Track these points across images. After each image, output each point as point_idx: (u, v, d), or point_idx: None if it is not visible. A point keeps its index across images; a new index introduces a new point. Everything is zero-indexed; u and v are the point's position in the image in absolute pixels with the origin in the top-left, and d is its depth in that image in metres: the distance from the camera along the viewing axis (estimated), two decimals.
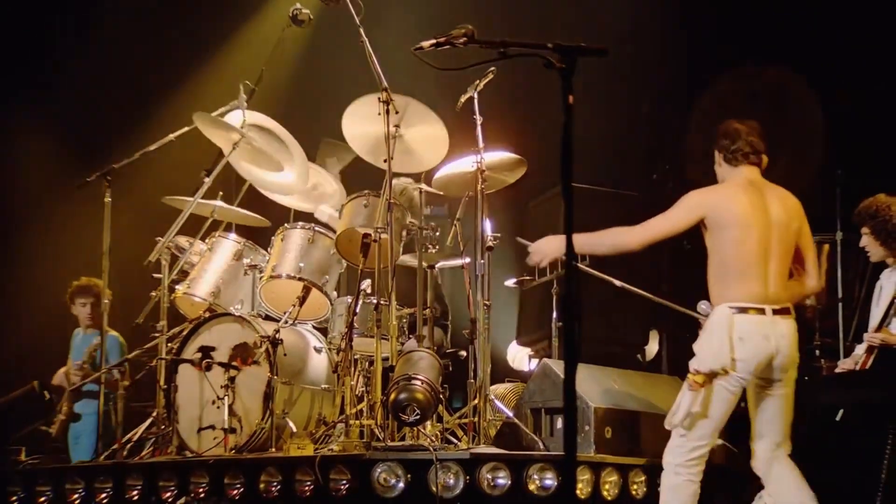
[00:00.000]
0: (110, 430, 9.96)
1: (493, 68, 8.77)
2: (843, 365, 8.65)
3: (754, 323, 7.24)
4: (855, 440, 8.31)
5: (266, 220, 9.87)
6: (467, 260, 9.39)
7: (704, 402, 7.30)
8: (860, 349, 8.57)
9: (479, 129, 8.94)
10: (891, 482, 7.91)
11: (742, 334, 7.21)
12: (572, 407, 5.45)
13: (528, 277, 10.80)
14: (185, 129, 9.70)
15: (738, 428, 9.45)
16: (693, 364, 7.30)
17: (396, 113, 8.77)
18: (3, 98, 12.23)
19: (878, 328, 8.45)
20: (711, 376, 7.25)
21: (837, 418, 8.29)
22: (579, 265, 8.24)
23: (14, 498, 8.95)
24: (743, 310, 7.24)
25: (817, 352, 10.26)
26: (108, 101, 12.21)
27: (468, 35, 5.74)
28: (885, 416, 8.09)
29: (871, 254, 8.64)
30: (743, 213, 7.34)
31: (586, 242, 7.43)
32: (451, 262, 9.62)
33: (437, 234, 9.35)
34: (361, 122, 9.13)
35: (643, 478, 8.35)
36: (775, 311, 7.27)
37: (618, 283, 9.16)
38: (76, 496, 8.77)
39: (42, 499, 8.89)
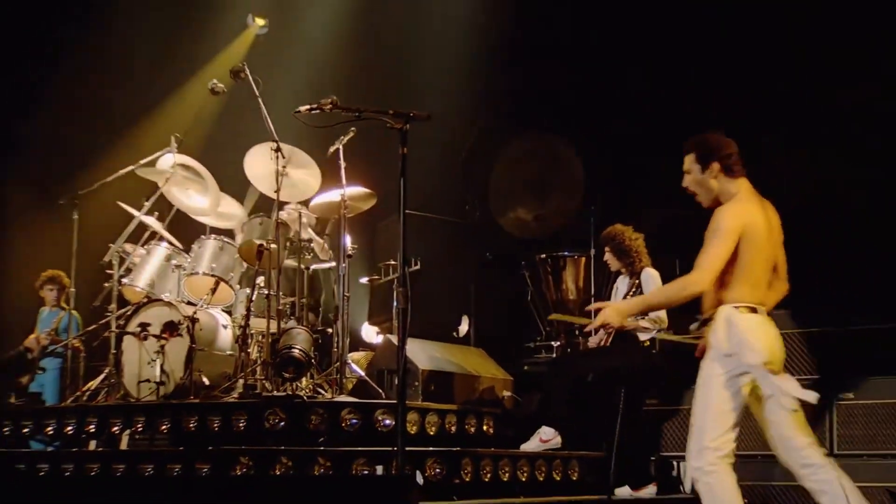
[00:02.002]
0: (65, 381, 9.82)
1: (353, 128, 8.74)
2: (591, 343, 8.67)
3: (757, 321, 5.72)
4: (600, 397, 8.33)
5: (180, 244, 9.62)
6: (333, 264, 9.29)
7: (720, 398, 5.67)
8: (601, 332, 8.63)
9: (342, 171, 8.87)
10: (623, 428, 7.92)
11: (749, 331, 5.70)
12: (404, 368, 5.40)
13: (376, 277, 10.71)
14: (130, 168, 9.45)
15: (522, 380, 9.53)
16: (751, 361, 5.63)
17: (284, 157, 8.63)
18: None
19: None
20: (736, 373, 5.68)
21: (588, 379, 8.32)
22: (664, 335, 7.66)
23: (6, 429, 8.75)
24: (744, 308, 5.69)
25: (577, 332, 10.32)
26: (73, 142, 11.88)
27: (333, 103, 5.74)
28: (619, 378, 8.14)
29: (610, 265, 8.69)
30: (764, 227, 5.80)
31: (663, 299, 5.98)
32: (322, 265, 9.49)
33: (312, 244, 9.24)
34: (258, 164, 8.96)
35: (454, 419, 8.30)
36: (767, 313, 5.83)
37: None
38: (50, 429, 8.57)
39: (25, 430, 8.69)
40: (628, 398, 7.98)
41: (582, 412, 8.28)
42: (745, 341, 5.62)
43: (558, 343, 10.39)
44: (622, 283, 8.62)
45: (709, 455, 5.63)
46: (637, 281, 8.37)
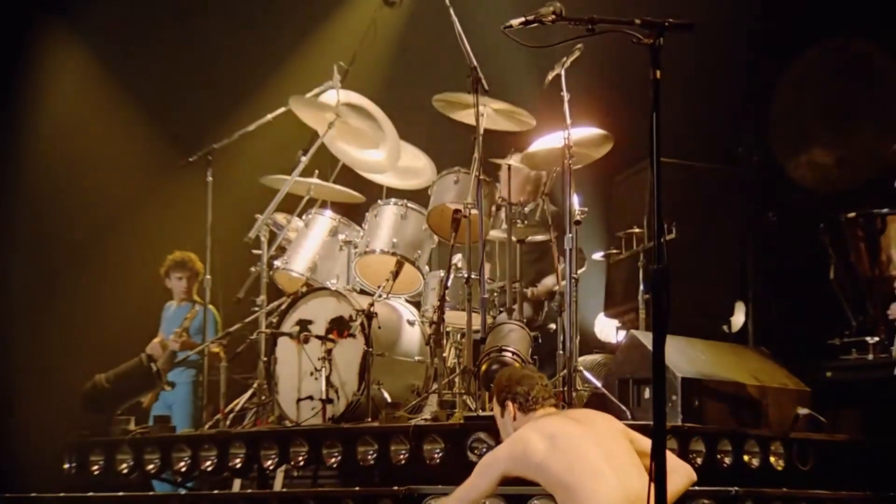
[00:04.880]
0: (201, 400, 10.29)
1: (580, 45, 8.69)
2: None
3: None
4: None
5: (361, 196, 9.87)
6: (556, 234, 9.31)
7: None
8: None
9: (566, 105, 8.85)
10: None
11: None
12: (662, 377, 5.35)
13: (615, 251, 10.69)
14: (282, 109, 9.72)
15: (824, 391, 9.43)
16: None
17: (486, 90, 8.73)
18: (106, 81, 12.34)
19: None
20: None
21: None
22: None
23: (123, 465, 9.07)
24: None
25: None
26: (206, 83, 12.24)
27: (556, 13, 5.69)
28: None
29: None
30: (545, 447, 6.00)
31: None
32: (540, 236, 9.53)
33: (527, 209, 9.28)
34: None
35: (729, 447, 8.24)
36: None
37: None
38: (182, 463, 8.86)
39: (150, 466, 9.02)
40: None
41: None
42: None
43: (876, 339, 10.19)
44: None
45: None
46: None
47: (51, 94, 12.20)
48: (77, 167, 12.09)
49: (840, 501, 8.05)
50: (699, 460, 8.05)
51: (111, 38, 12.45)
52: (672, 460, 6.01)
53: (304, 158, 9.42)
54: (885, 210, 10.28)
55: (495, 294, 9.17)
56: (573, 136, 8.88)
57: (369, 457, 8.10)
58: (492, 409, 8.14)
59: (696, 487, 7.50)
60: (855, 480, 8.38)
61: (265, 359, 9.09)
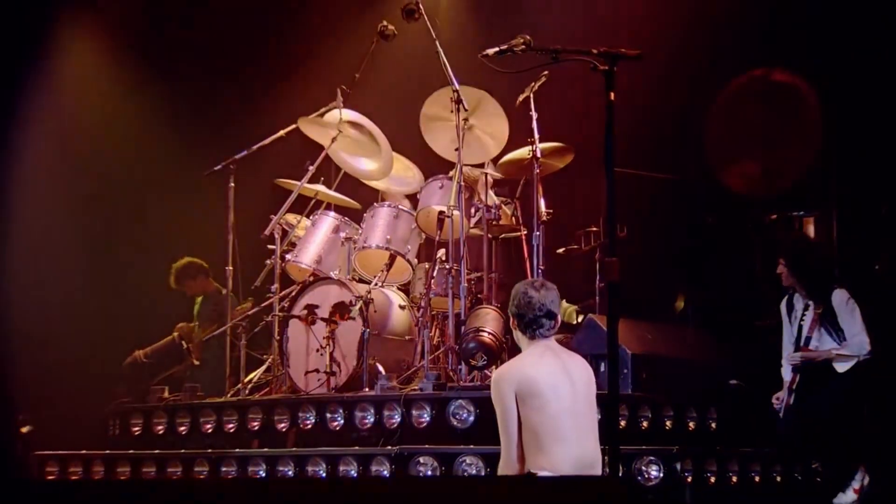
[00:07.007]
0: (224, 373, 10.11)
1: (546, 72, 8.75)
2: (779, 398, 8.40)
3: None
4: None
5: (357, 204, 9.84)
6: (525, 232, 9.30)
7: None
8: (787, 374, 8.38)
9: (534, 122, 8.93)
10: None
11: None
12: (615, 352, 5.36)
13: (575, 246, 10.69)
14: (292, 126, 9.68)
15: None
16: None
17: (466, 110, 8.74)
18: (144, 97, 12.28)
19: (797, 349, 8.29)
20: None
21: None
22: None
23: (159, 427, 9.13)
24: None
25: None
26: (226, 101, 12.17)
27: (526, 43, 5.73)
28: None
29: (783, 279, 8.43)
30: (546, 377, 5.97)
31: None
32: (512, 234, 9.53)
33: (500, 210, 9.28)
34: (436, 117, 9.13)
35: (671, 413, 8.31)
36: None
37: None
38: (209, 426, 8.91)
39: (182, 428, 9.06)
40: None
41: None
42: None
43: None
44: (801, 306, 8.41)
45: None
46: (820, 310, 8.14)
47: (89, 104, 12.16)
48: (117, 172, 12.03)
49: (764, 456, 8.11)
50: (646, 424, 8.15)
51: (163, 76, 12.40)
52: None
53: (311, 167, 9.39)
54: (801, 213, 10.34)
55: (473, 283, 9.15)
56: (540, 148, 8.95)
57: (366, 421, 8.12)
58: (471, 381, 8.33)
59: (643, 447, 7.59)
60: (777, 439, 8.40)
61: (278, 338, 9.07)
